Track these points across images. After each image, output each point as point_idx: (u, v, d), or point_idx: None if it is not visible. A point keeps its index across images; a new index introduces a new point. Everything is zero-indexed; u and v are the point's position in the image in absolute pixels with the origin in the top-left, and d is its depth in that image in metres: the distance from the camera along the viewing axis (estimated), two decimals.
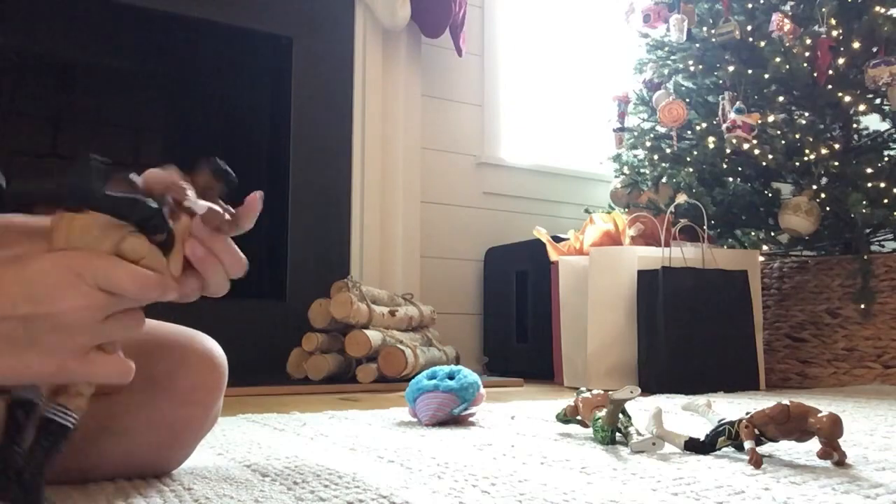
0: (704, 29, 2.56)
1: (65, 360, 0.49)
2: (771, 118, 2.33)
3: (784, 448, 0.97)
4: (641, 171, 2.72)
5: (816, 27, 2.32)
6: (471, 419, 1.29)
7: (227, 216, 0.55)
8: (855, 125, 2.51)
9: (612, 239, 2.37)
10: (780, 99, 2.40)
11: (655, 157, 2.62)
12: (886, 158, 2.33)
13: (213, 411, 0.77)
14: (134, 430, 0.71)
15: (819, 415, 0.86)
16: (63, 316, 0.48)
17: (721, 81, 2.52)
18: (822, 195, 2.27)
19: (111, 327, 0.50)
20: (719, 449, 0.93)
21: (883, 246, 2.52)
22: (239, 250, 0.56)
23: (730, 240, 2.63)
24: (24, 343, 0.48)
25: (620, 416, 1.00)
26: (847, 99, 2.29)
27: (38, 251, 0.50)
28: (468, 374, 1.27)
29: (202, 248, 0.54)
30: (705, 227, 2.24)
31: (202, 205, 0.54)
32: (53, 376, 0.50)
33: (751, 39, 2.46)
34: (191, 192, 0.54)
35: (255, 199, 0.57)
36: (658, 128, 2.68)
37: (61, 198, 0.50)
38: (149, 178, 0.54)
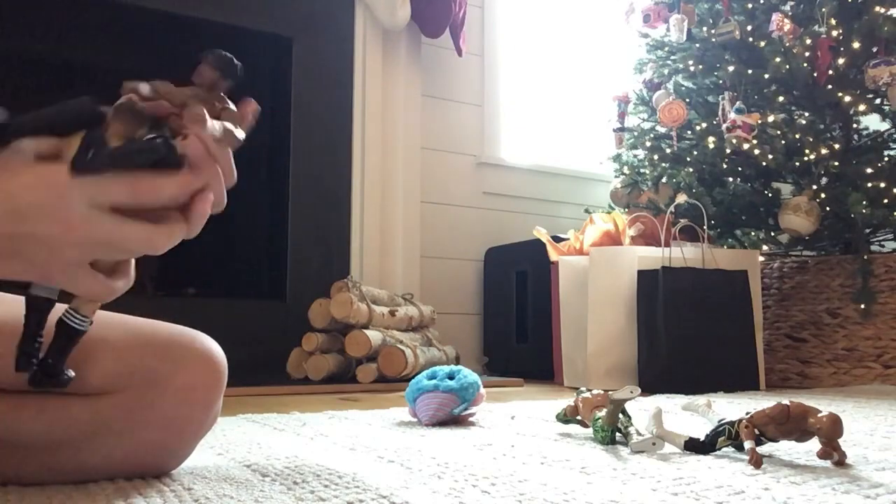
0: (704, 29, 2.56)
1: (49, 271, 0.49)
2: (771, 118, 2.33)
3: (784, 448, 0.97)
4: (641, 171, 2.72)
5: (816, 27, 2.32)
6: (471, 419, 1.29)
7: (238, 134, 0.55)
8: (855, 125, 2.51)
9: (612, 239, 2.37)
10: (780, 99, 2.40)
11: (655, 157, 2.62)
12: (886, 158, 2.33)
13: (213, 411, 0.77)
14: (134, 429, 0.71)
15: (819, 415, 0.86)
16: (47, 236, 0.47)
17: (721, 81, 2.52)
18: (822, 195, 2.27)
19: (101, 248, 0.49)
20: (719, 449, 0.93)
21: (883, 246, 2.52)
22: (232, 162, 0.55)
23: (730, 240, 2.63)
24: (9, 252, 0.47)
25: (620, 416, 1.00)
26: (847, 99, 2.28)
27: (29, 163, 0.48)
28: (468, 374, 1.27)
29: (212, 162, 0.53)
30: (705, 227, 2.24)
31: (218, 128, 0.54)
32: (37, 280, 0.51)
33: (751, 39, 2.46)
34: (207, 117, 0.53)
35: (252, 106, 0.57)
36: (658, 128, 2.68)
37: (68, 123, 0.49)
38: (158, 98, 0.53)
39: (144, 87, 0.54)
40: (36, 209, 0.47)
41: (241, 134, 0.56)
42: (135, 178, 0.49)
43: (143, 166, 0.50)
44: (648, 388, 1.90)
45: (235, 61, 0.56)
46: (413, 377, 1.33)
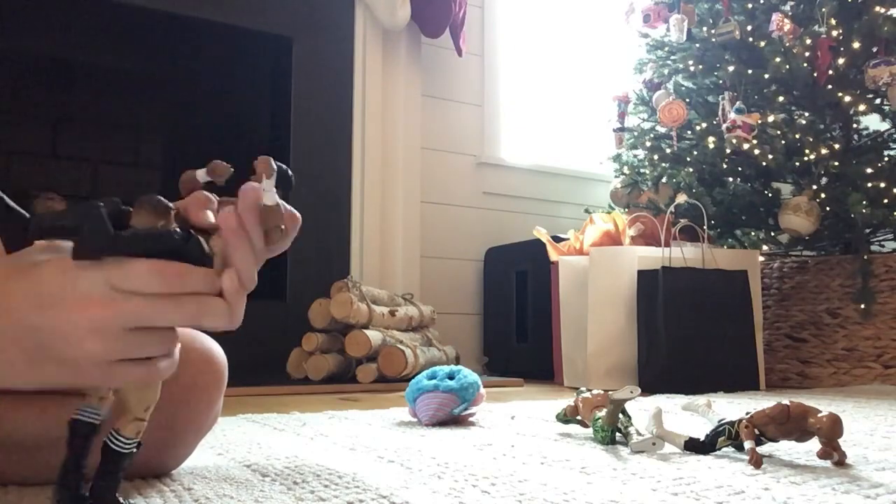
0: (704, 29, 2.56)
1: (85, 372, 0.46)
2: (771, 118, 2.33)
3: (784, 448, 0.97)
4: (641, 171, 2.72)
5: (816, 27, 2.32)
6: (471, 419, 1.29)
7: (282, 224, 0.51)
8: (855, 125, 2.51)
9: (612, 239, 2.37)
10: (780, 99, 2.40)
11: (655, 157, 2.62)
12: (886, 158, 2.33)
13: (214, 411, 0.77)
14: None
15: (819, 415, 0.86)
16: (74, 328, 0.44)
17: (721, 81, 2.52)
18: (822, 195, 2.27)
19: (134, 342, 0.46)
20: (719, 449, 0.93)
21: (883, 246, 2.52)
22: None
23: (730, 240, 2.63)
24: (39, 354, 0.45)
25: (620, 416, 1.00)
26: (847, 99, 2.29)
27: (62, 258, 0.46)
28: (468, 374, 1.27)
29: (238, 279, 0.50)
30: (705, 227, 2.24)
31: (272, 197, 0.50)
32: (76, 385, 0.48)
33: (751, 39, 2.46)
34: (270, 184, 0.50)
35: (297, 220, 0.53)
36: (658, 128, 2.68)
37: (81, 238, 0.46)
38: (214, 178, 0.51)
39: (201, 174, 0.52)
40: (55, 294, 0.45)
41: (284, 234, 0.52)
42: (158, 262, 0.46)
43: (150, 252, 0.46)
44: (648, 388, 1.90)
45: (290, 173, 0.52)
46: (413, 377, 1.33)
